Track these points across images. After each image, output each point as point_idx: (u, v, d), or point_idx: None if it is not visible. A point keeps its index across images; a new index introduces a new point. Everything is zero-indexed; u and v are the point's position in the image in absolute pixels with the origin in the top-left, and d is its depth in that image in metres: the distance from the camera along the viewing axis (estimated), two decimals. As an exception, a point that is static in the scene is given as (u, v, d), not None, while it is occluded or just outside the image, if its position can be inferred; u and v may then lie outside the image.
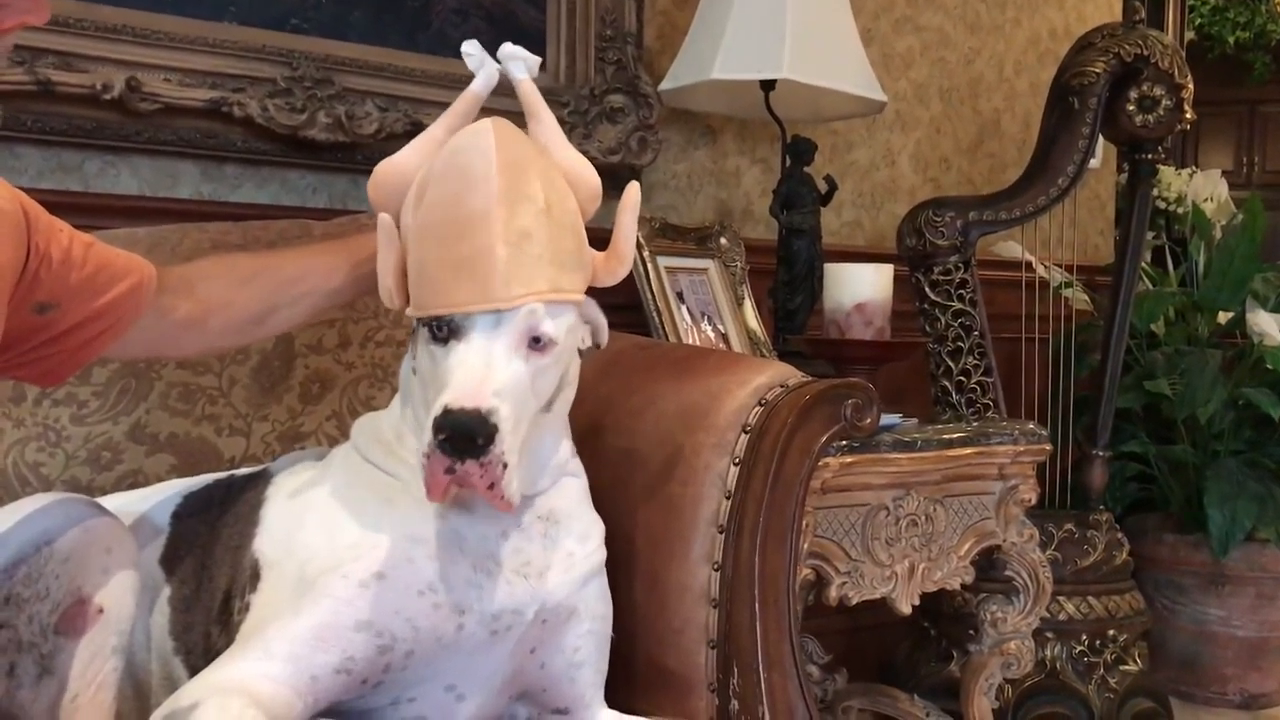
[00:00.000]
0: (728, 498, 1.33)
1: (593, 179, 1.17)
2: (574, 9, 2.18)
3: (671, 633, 1.32)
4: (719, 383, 1.40)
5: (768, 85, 2.19)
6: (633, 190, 1.17)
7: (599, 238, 1.19)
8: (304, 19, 1.91)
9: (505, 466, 1.00)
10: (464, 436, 0.98)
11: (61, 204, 1.76)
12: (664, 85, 2.21)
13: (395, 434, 1.17)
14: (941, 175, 2.89)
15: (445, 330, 1.06)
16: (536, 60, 1.21)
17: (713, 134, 2.49)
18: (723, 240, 2.19)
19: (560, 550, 1.17)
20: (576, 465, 1.24)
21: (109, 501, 1.29)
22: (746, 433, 1.34)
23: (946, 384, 2.38)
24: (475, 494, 1.03)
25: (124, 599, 1.12)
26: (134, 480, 1.43)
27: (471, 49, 1.20)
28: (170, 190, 1.87)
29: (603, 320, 1.21)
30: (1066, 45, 3.05)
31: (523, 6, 2.15)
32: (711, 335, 2.07)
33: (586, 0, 2.18)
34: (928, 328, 2.40)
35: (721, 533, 1.31)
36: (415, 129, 1.99)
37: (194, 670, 1.16)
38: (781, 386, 1.38)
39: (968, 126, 2.95)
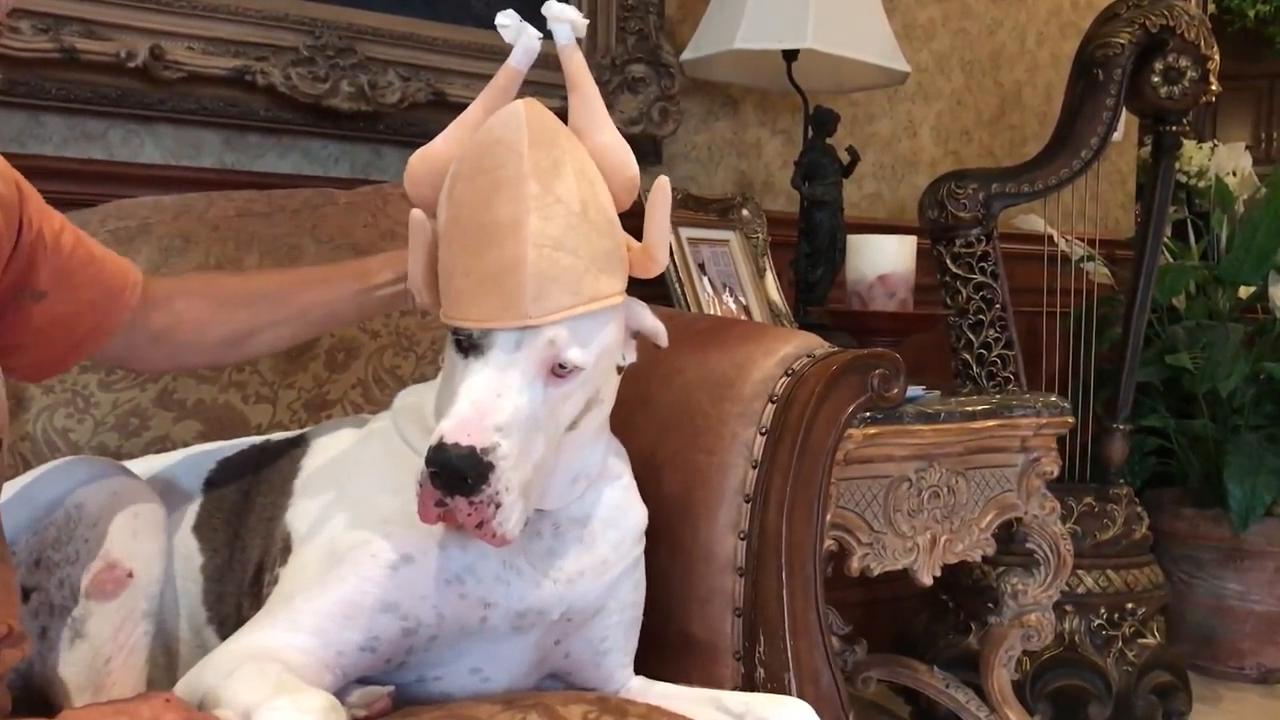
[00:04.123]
0: (754, 467, 1.32)
1: (630, 168, 1.09)
2: (595, -23, 2.17)
3: (697, 600, 1.32)
4: (745, 352, 1.40)
5: (790, 55, 2.17)
6: (663, 184, 1.08)
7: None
8: (327, -14, 1.90)
9: (499, 506, 0.95)
10: (453, 474, 0.94)
11: (85, 172, 1.79)
12: (685, 55, 2.20)
13: (434, 415, 1.13)
14: (963, 148, 2.87)
15: (467, 342, 1.01)
16: (584, 22, 1.11)
17: (734, 105, 2.48)
18: (744, 212, 2.18)
19: (594, 555, 1.14)
20: (619, 464, 1.20)
21: (138, 465, 1.30)
22: (773, 402, 1.34)
23: (967, 356, 2.37)
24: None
25: (153, 563, 1.12)
26: (161, 446, 1.43)
27: (507, 19, 1.12)
28: (193, 159, 1.87)
29: (657, 325, 1.14)
30: (1088, 16, 3.03)
31: (544, -25, 2.14)
32: (733, 307, 2.07)
33: (608, -31, 2.17)
34: (949, 300, 2.39)
35: (748, 502, 1.31)
36: (438, 98, 1.99)
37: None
38: (808, 356, 1.37)
39: (989, 98, 2.92)
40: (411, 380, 1.58)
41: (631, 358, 1.14)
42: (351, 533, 1.08)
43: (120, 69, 1.72)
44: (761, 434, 1.33)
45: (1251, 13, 6.59)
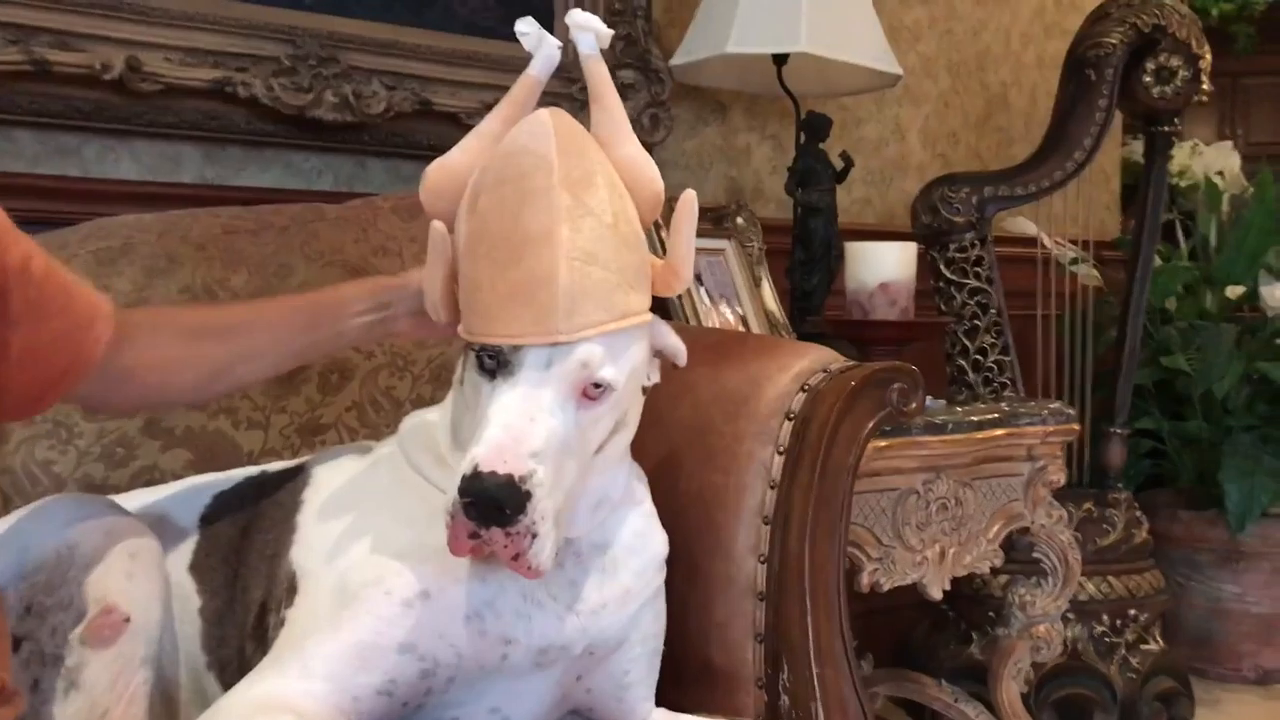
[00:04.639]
0: (772, 487, 1.28)
1: (656, 182, 1.04)
2: (582, -18, 2.12)
3: (716, 627, 1.28)
4: (758, 368, 1.35)
5: (780, 59, 2.13)
6: (690, 199, 1.03)
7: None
8: (307, -6, 1.84)
9: (535, 536, 0.91)
10: (491, 505, 0.89)
11: (60, 189, 1.72)
12: (676, 60, 2.15)
13: (446, 442, 1.09)
14: (950, 150, 2.84)
15: (494, 362, 0.96)
16: (609, 33, 1.06)
17: (722, 110, 2.43)
18: (739, 220, 2.14)
19: (617, 585, 1.09)
20: (641, 489, 1.16)
21: (129, 500, 1.23)
22: (790, 420, 1.29)
23: (963, 363, 2.34)
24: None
25: (151, 607, 1.06)
26: (150, 477, 1.37)
27: (526, 27, 1.07)
28: (172, 175, 1.80)
29: (679, 345, 1.10)
30: (1071, 16, 3.02)
31: (530, -21, 2.09)
32: (730, 317, 2.02)
33: (595, -27, 2.12)
34: (943, 306, 2.36)
35: (767, 524, 1.27)
36: (424, 108, 1.93)
37: (228, 686, 1.10)
38: (824, 371, 1.33)
39: (975, 100, 2.90)
40: (409, 402, 1.53)
41: (656, 378, 1.10)
42: (363, 569, 1.02)
43: (95, 81, 1.65)
44: (779, 453, 1.29)
45: (1215, 10, 6.63)
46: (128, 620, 1.03)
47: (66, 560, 1.04)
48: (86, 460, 1.35)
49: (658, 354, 1.11)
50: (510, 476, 0.89)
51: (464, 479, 0.90)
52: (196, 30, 1.73)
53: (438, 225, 1.02)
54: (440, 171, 1.05)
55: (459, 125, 1.95)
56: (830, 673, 1.22)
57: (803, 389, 1.31)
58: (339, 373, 1.50)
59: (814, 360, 1.34)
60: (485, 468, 0.89)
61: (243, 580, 1.12)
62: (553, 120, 0.98)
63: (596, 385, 0.96)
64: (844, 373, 1.32)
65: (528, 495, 0.90)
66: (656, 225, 1.74)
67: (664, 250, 1.08)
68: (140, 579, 1.06)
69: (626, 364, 1.00)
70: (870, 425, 1.29)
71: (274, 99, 1.77)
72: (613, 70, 2.13)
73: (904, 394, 1.32)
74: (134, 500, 1.23)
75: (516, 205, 0.95)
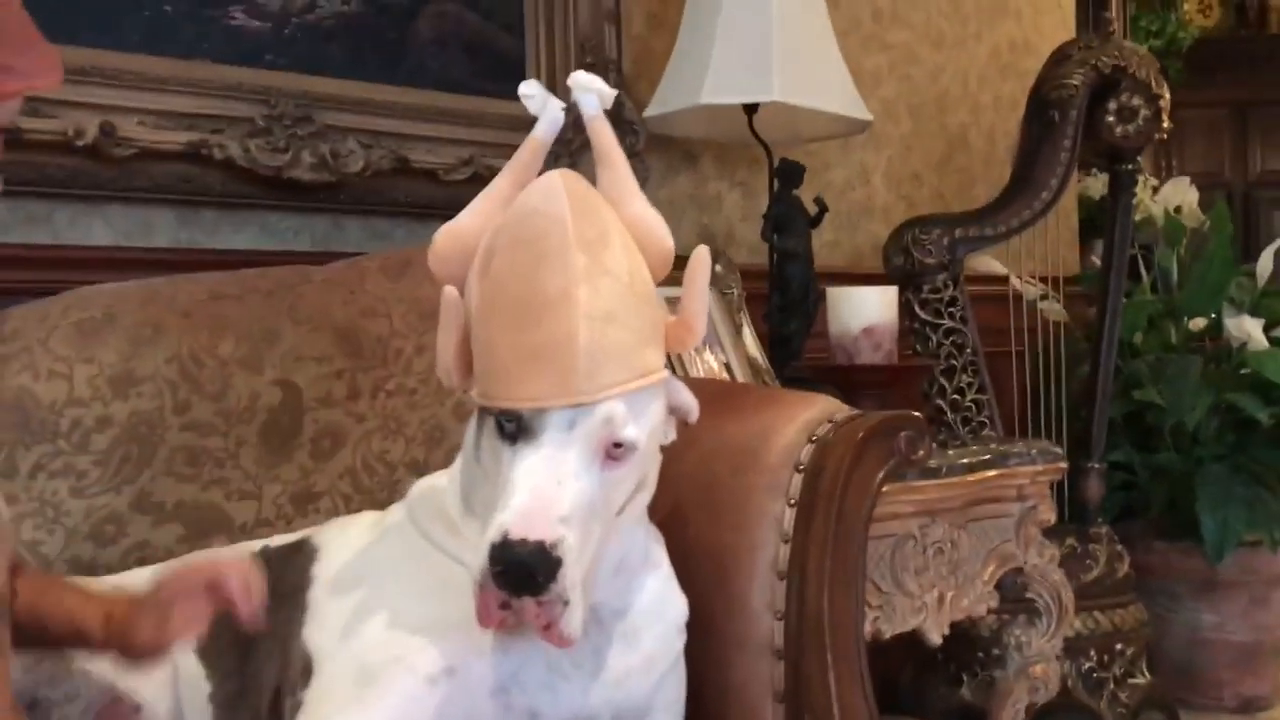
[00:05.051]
0: (786, 541, 1.26)
1: (666, 239, 1.04)
2: (553, 37, 2.12)
3: (733, 689, 1.26)
4: (764, 420, 1.34)
5: (751, 108, 2.15)
6: (702, 255, 1.03)
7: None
8: (279, 54, 1.82)
9: (566, 604, 0.89)
10: (522, 573, 0.88)
11: (30, 258, 1.67)
12: (650, 110, 2.15)
13: (458, 509, 1.07)
14: (914, 192, 2.87)
15: (514, 426, 0.94)
16: (612, 93, 1.07)
17: (693, 159, 2.44)
18: (717, 267, 2.13)
19: (640, 652, 1.08)
20: (659, 552, 1.14)
21: (125, 581, 1.19)
22: (800, 471, 1.28)
23: (941, 403, 2.35)
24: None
25: (161, 693, 1.03)
26: (141, 555, 1.32)
27: (531, 90, 1.07)
28: (146, 239, 1.76)
29: (692, 402, 1.09)
30: (1026, 58, 3.08)
31: (501, 35, 2.09)
32: (715, 365, 2.01)
33: (566, 28, 2.12)
34: (918, 347, 2.36)
35: (782, 579, 1.25)
36: (401, 165, 1.91)
37: None
38: (830, 422, 1.32)
39: (936, 142, 2.93)
40: (402, 465, 1.49)
41: (673, 436, 1.09)
42: (383, 648, 0.99)
43: (68, 148, 1.61)
44: (790, 505, 1.28)
45: (1146, 44, 6.79)
46: (139, 710, 0.99)
47: (70, 650, 1.00)
48: (75, 540, 1.31)
49: (672, 411, 1.09)
50: (541, 543, 0.88)
51: (493, 547, 0.88)
52: (169, 94, 1.70)
53: (450, 291, 1.00)
54: (449, 236, 1.04)
55: (437, 182, 1.94)
56: (854, 729, 1.21)
57: (811, 440, 1.30)
58: (331, 437, 1.47)
59: (820, 411, 1.33)
60: (515, 535, 0.88)
61: (254, 663, 1.09)
62: (564, 181, 0.98)
63: (619, 445, 0.95)
64: (850, 422, 1.31)
65: (558, 562, 0.88)
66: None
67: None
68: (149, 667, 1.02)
69: (647, 423, 0.99)
70: (881, 474, 1.29)
71: (250, 160, 1.75)
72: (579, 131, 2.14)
73: (911, 442, 1.32)
74: (130, 579, 1.19)
75: (532, 267, 0.94)
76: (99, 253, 1.71)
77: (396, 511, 1.14)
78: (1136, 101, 2.35)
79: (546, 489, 0.90)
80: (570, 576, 0.89)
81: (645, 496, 1.06)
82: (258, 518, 1.40)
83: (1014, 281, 2.59)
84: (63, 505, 1.31)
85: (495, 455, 0.96)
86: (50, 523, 1.30)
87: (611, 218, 1.00)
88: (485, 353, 0.97)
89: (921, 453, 1.33)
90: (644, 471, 1.03)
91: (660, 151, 2.35)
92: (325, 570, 1.10)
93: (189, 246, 1.79)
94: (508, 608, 0.90)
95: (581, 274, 0.93)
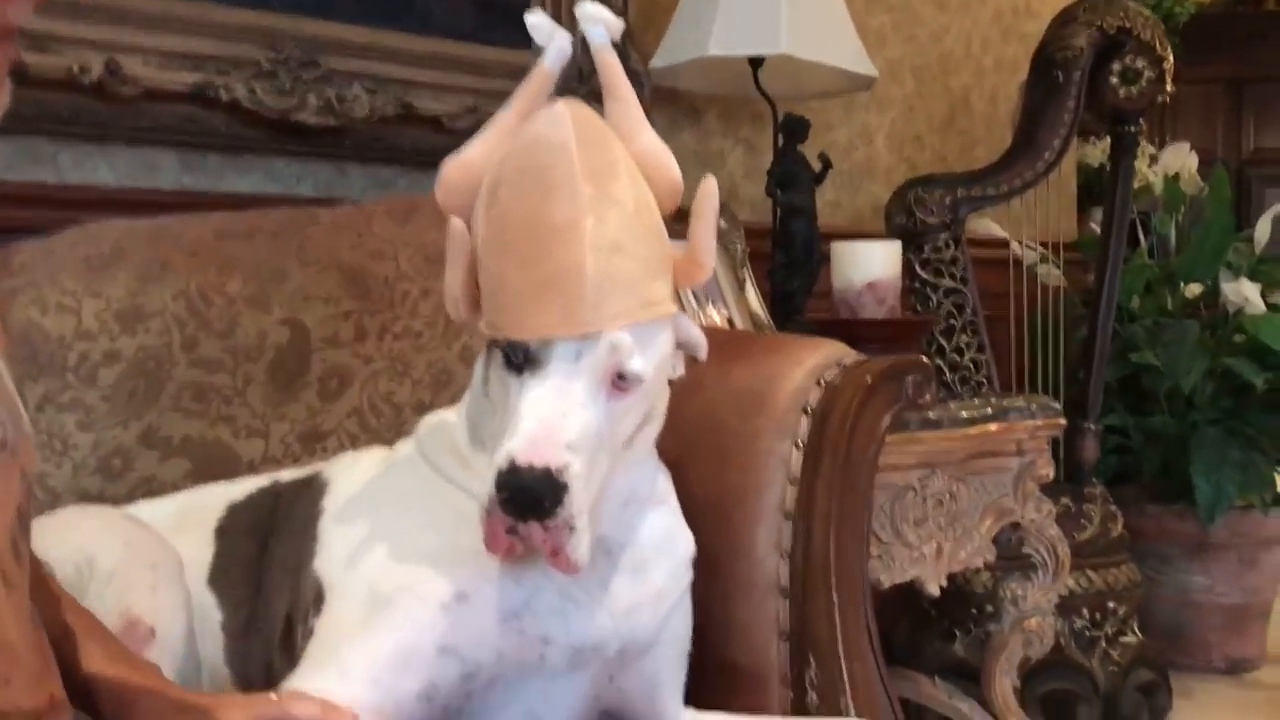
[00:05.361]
0: (793, 483, 1.27)
1: (674, 170, 1.02)
2: (559, -14, 2.10)
3: (739, 627, 1.26)
4: (771, 365, 1.34)
5: (756, 62, 2.14)
6: (710, 187, 1.01)
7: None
8: (285, -3, 1.81)
9: (573, 530, 0.89)
10: (529, 498, 0.88)
11: (35, 197, 1.66)
12: (655, 62, 2.15)
13: (466, 443, 1.06)
14: (916, 154, 2.87)
15: (521, 357, 0.94)
16: (620, 24, 1.04)
17: (697, 114, 2.44)
18: (722, 223, 2.13)
19: (649, 586, 1.08)
20: (666, 486, 1.14)
21: (136, 512, 1.19)
22: (808, 415, 1.28)
23: (940, 363, 2.36)
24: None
25: (175, 618, 1.03)
26: (148, 489, 1.32)
27: (537, 20, 1.04)
28: (150, 181, 1.75)
29: (701, 338, 1.08)
30: (1028, 21, 3.08)
31: (507, -16, 2.07)
32: (717, 319, 2.01)
33: (572, -23, 2.11)
34: (919, 307, 2.37)
35: (789, 520, 1.26)
36: (406, 112, 1.91)
37: None
38: (838, 366, 1.32)
39: (939, 104, 2.93)
40: (409, 407, 1.49)
41: (681, 371, 1.09)
42: (393, 575, 1.00)
43: (73, 85, 1.60)
44: (798, 448, 1.28)
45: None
46: (154, 633, 0.99)
47: (86, 574, 1.00)
48: (82, 473, 1.31)
49: (680, 346, 1.09)
50: (547, 469, 0.88)
51: (499, 474, 0.89)
52: (176, 34, 1.69)
53: (457, 223, 1.00)
54: (457, 167, 1.03)
55: (441, 130, 1.93)
56: (859, 667, 1.22)
57: (818, 384, 1.30)
58: (338, 378, 1.47)
59: (827, 355, 1.33)
60: (522, 461, 0.88)
61: (265, 594, 1.09)
62: (570, 110, 0.97)
63: (623, 377, 0.95)
64: (859, 366, 1.32)
65: (564, 487, 0.89)
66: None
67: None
68: (163, 591, 1.02)
69: (654, 354, 0.98)
70: (888, 417, 1.29)
71: (255, 103, 1.74)
72: (589, 75, 2.11)
73: (918, 386, 1.32)
74: (141, 512, 1.19)
75: (539, 198, 0.93)
76: (103, 193, 1.70)
77: (406, 446, 1.14)
78: (1141, 63, 2.35)
79: (553, 418, 0.90)
80: (577, 503, 0.89)
81: (653, 430, 1.06)
82: (265, 455, 1.40)
83: (1013, 246, 2.59)
84: (70, 439, 1.31)
85: (503, 387, 0.96)
86: (58, 455, 1.30)
87: (619, 148, 0.99)
88: (493, 284, 0.96)
89: (928, 397, 1.33)
90: (651, 404, 1.02)
91: (664, 106, 2.35)
92: (335, 503, 1.10)
93: (193, 190, 1.78)
94: (515, 533, 0.90)
95: (588, 204, 0.92)
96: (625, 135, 1.01)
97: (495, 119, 1.04)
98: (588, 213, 0.92)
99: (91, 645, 0.90)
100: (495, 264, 0.96)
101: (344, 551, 1.05)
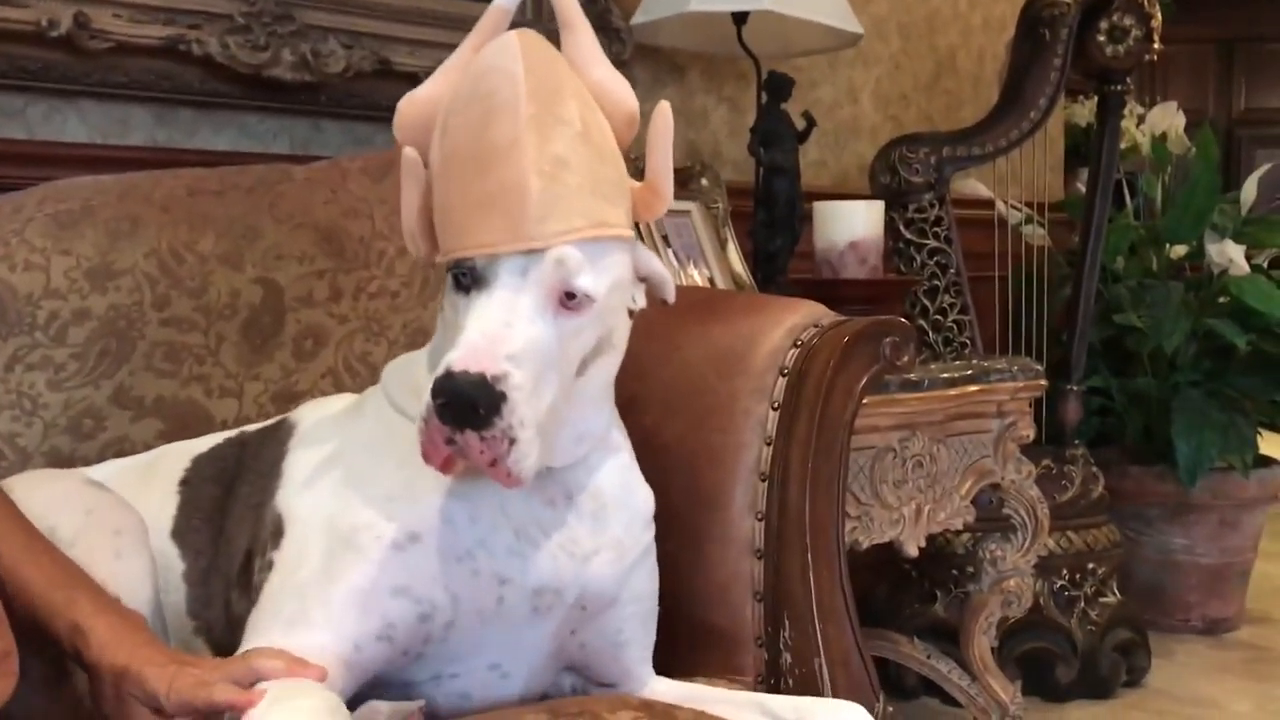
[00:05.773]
0: (768, 444, 1.26)
1: (630, 101, 1.02)
2: (539, -59, 2.07)
3: (715, 588, 1.26)
4: (750, 325, 1.33)
5: (740, 18, 2.11)
6: (664, 111, 1.01)
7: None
8: (259, -51, 1.77)
9: (513, 442, 0.88)
10: (464, 404, 0.87)
11: (3, 153, 1.64)
12: (637, 18, 2.12)
13: (427, 378, 1.06)
14: (902, 113, 2.85)
15: (469, 277, 0.94)
16: None
17: (680, 72, 2.41)
18: (703, 181, 2.12)
19: (608, 535, 1.07)
20: (620, 438, 1.12)
21: (100, 470, 1.19)
22: (784, 375, 1.28)
23: (923, 323, 2.35)
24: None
25: (141, 584, 1.02)
26: (120, 449, 1.31)
27: None
28: (121, 137, 1.73)
29: (665, 273, 1.08)
30: (1018, -21, 3.04)
31: (486, -64, 2.04)
32: (699, 279, 2.00)
33: (552, -71, 2.07)
34: (902, 267, 2.36)
35: (764, 481, 1.25)
36: (383, 67, 1.88)
37: (216, 647, 1.07)
38: (816, 326, 1.31)
39: (925, 63, 2.90)
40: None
41: (642, 302, 1.07)
42: (351, 513, 1.00)
43: (41, 39, 1.57)
44: (774, 409, 1.27)
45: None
46: (117, 600, 0.98)
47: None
48: (53, 433, 1.29)
49: (643, 280, 1.08)
50: (483, 375, 0.87)
51: (436, 380, 0.88)
52: (144, -14, 1.66)
53: (410, 151, 0.99)
54: (411, 103, 1.03)
55: (418, 85, 1.90)
56: (833, 628, 1.22)
57: (796, 344, 1.29)
58: (313, 338, 1.45)
59: (805, 315, 1.32)
60: (459, 367, 0.87)
61: (227, 534, 1.09)
62: (520, 39, 0.97)
63: (573, 296, 0.94)
64: (837, 327, 1.31)
65: (502, 396, 0.88)
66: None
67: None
68: (128, 557, 1.02)
69: (606, 275, 0.97)
70: (865, 379, 1.28)
71: (229, 57, 1.71)
72: (550, 16, 2.10)
73: (896, 348, 1.31)
74: (107, 471, 1.19)
75: (483, 120, 0.93)
76: (74, 149, 1.68)
77: (373, 389, 1.14)
78: (1128, 21, 2.33)
79: (495, 329, 0.90)
80: (518, 415, 0.88)
81: (610, 363, 1.05)
82: (239, 416, 1.39)
83: (999, 206, 2.58)
84: (40, 398, 1.29)
85: (454, 309, 0.96)
86: (28, 415, 1.29)
87: (568, 74, 0.98)
88: (443, 210, 0.96)
89: (906, 359, 1.32)
90: (607, 329, 1.01)
91: (646, 63, 2.32)
92: (300, 442, 1.10)
93: (166, 146, 1.76)
94: (454, 444, 0.89)
95: (531, 123, 0.92)
96: (580, 66, 1.01)
97: (451, 56, 1.05)
98: (532, 130, 0.92)
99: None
100: (444, 189, 0.96)
101: (305, 487, 1.05)
